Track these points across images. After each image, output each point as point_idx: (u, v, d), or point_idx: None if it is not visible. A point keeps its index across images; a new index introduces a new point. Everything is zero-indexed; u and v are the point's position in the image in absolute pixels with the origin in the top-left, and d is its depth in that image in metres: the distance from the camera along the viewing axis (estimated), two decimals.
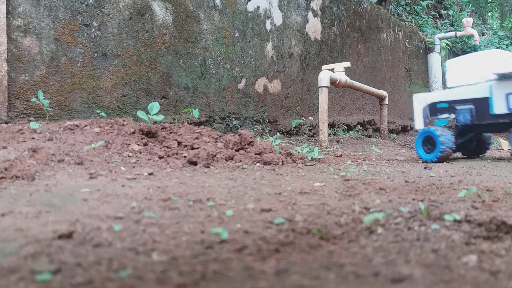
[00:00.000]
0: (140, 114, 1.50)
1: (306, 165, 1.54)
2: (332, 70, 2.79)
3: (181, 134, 1.56)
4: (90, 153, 1.26)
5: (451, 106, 1.54)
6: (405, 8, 4.94)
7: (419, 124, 1.58)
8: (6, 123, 1.69)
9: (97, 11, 1.99)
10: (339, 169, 1.44)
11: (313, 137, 2.97)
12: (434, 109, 1.55)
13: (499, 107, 1.46)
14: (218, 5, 2.56)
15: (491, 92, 1.47)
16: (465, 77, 1.56)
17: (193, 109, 2.30)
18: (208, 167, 1.32)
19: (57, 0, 1.85)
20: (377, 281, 0.43)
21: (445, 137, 1.46)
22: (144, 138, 1.48)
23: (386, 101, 3.41)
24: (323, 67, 2.84)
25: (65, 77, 1.89)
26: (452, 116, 1.54)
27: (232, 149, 1.55)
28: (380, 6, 4.20)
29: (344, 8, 3.62)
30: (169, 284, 0.42)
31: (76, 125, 1.48)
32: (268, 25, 2.91)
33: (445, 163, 1.77)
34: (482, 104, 1.48)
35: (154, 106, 1.51)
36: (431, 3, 5.32)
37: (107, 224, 0.64)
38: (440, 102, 1.57)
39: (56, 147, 1.27)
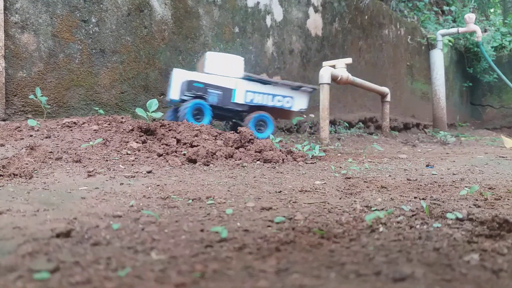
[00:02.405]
0: (139, 111, 1.49)
1: (306, 163, 1.53)
2: (333, 66, 2.77)
3: (180, 132, 1.55)
4: (88, 150, 1.25)
5: (205, 87, 1.89)
6: (407, 4, 4.90)
7: (174, 94, 1.88)
8: (4, 120, 1.69)
9: (95, 7, 1.97)
10: (340, 167, 1.44)
11: (314, 135, 2.96)
12: (190, 86, 1.86)
13: (239, 98, 1.97)
14: (217, 1, 2.54)
15: (236, 86, 1.97)
16: (221, 69, 1.96)
17: None
18: (207, 165, 1.32)
19: None
20: (379, 280, 0.43)
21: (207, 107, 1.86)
22: (142, 136, 1.47)
23: (388, 98, 3.40)
24: (324, 63, 2.82)
25: (63, 73, 1.88)
26: (205, 95, 1.90)
27: (232, 147, 1.54)
28: (382, 2, 4.16)
29: (346, 4, 3.59)
30: (168, 283, 0.41)
31: (74, 123, 1.47)
32: (268, 21, 2.88)
33: (447, 160, 1.76)
34: (228, 92, 1.94)
35: (153, 103, 1.50)
36: None
37: (105, 223, 0.64)
38: (198, 82, 1.88)
39: (54, 144, 1.26)
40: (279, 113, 2.17)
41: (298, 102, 2.12)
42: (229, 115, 2.04)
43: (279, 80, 2.07)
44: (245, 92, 1.97)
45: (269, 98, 2.03)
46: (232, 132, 1.74)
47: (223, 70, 1.95)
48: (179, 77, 1.88)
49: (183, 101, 1.89)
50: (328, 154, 1.88)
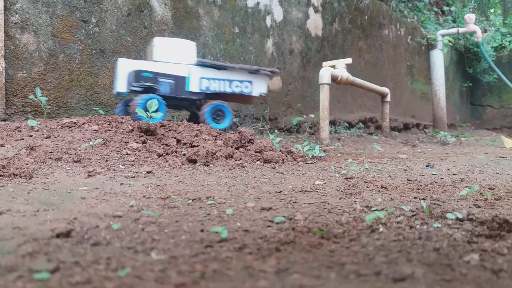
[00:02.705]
0: (139, 111, 1.49)
1: (306, 163, 1.53)
2: (333, 66, 2.77)
3: (180, 132, 1.55)
4: (88, 151, 1.25)
5: (155, 77, 1.73)
6: (407, 4, 4.90)
7: (121, 87, 1.73)
8: (4, 120, 1.69)
9: (95, 7, 1.97)
10: (340, 167, 1.44)
11: (314, 135, 2.96)
12: (138, 77, 1.71)
13: (193, 86, 1.82)
14: (217, 1, 2.54)
15: (189, 73, 1.81)
16: (171, 55, 1.79)
17: None
18: (207, 165, 1.32)
19: None
20: (379, 280, 0.43)
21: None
22: (142, 136, 1.47)
23: (388, 98, 3.39)
24: (324, 63, 2.82)
25: (63, 74, 1.88)
26: (156, 86, 1.74)
27: (232, 147, 1.54)
28: (382, 2, 4.16)
29: (346, 4, 3.59)
30: (168, 284, 0.41)
31: (74, 123, 1.47)
32: (268, 21, 2.89)
33: (447, 160, 1.76)
34: (181, 81, 1.79)
35: (153, 104, 1.50)
36: None
37: (105, 223, 0.64)
38: (146, 71, 1.71)
39: (54, 144, 1.26)
40: (239, 99, 2.03)
41: (257, 87, 1.97)
42: (184, 104, 1.91)
43: (235, 65, 1.92)
44: (199, 79, 1.82)
45: (226, 84, 1.88)
46: (232, 132, 1.74)
47: (174, 57, 1.78)
48: (125, 68, 1.72)
49: (133, 93, 1.75)
50: (328, 154, 1.88)
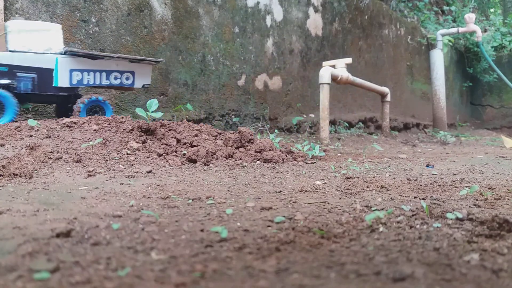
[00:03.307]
0: (139, 111, 1.49)
1: (306, 163, 1.53)
2: (333, 66, 2.77)
3: (180, 132, 1.55)
4: (88, 150, 1.25)
5: (11, 71, 1.45)
6: (407, 4, 4.90)
7: None
8: None
9: (95, 6, 1.97)
10: (340, 167, 1.44)
11: (314, 135, 2.96)
12: None
13: (63, 80, 1.55)
14: (217, 1, 2.53)
15: (57, 65, 1.52)
16: (32, 43, 1.49)
17: (187, 105, 2.29)
18: (207, 165, 1.32)
19: None
20: (379, 280, 0.43)
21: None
22: (142, 136, 1.47)
23: (388, 98, 3.39)
24: (324, 63, 2.82)
25: None
26: (13, 83, 1.47)
27: (232, 146, 1.54)
28: (382, 2, 4.16)
29: (346, 4, 3.59)
30: (168, 283, 0.41)
31: (74, 122, 1.47)
32: (268, 21, 2.88)
33: (447, 160, 1.76)
34: (47, 74, 1.51)
35: (153, 103, 1.50)
36: None
37: (105, 223, 0.64)
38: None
39: (54, 144, 1.26)
40: (119, 91, 1.84)
41: (140, 78, 1.75)
42: (52, 101, 1.66)
43: (114, 54, 1.70)
44: (69, 72, 1.55)
45: (103, 76, 1.63)
46: (232, 132, 1.73)
47: (36, 45, 1.49)
48: None
49: None
50: (328, 154, 1.88)
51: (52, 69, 1.54)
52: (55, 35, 1.57)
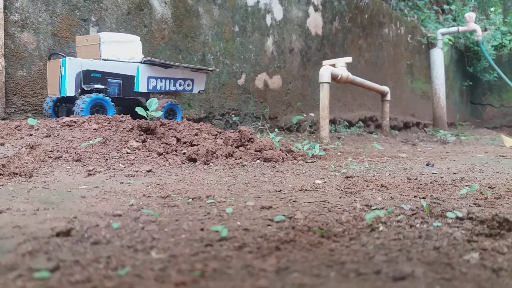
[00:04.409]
0: (139, 110, 1.49)
1: (306, 162, 1.53)
2: (333, 65, 2.77)
3: (180, 131, 1.55)
4: (88, 149, 1.25)
5: (104, 77, 1.64)
6: (407, 3, 4.89)
7: (70, 90, 1.58)
8: (4, 119, 1.68)
9: (95, 5, 1.96)
10: (340, 166, 1.44)
11: (314, 134, 2.96)
12: (87, 78, 1.60)
13: (142, 86, 1.76)
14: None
15: (138, 73, 1.74)
16: (117, 53, 1.70)
17: (187, 104, 2.29)
18: (207, 164, 1.32)
19: None
20: (379, 279, 0.43)
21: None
22: (142, 135, 1.47)
23: (388, 97, 3.39)
24: (324, 62, 2.82)
25: None
26: (106, 87, 1.65)
27: (232, 146, 1.54)
28: (382, 1, 4.15)
29: (346, 3, 3.59)
30: (168, 282, 0.41)
31: (74, 121, 1.47)
32: (268, 20, 2.88)
33: (447, 159, 1.76)
34: (130, 81, 1.73)
35: (153, 102, 1.50)
36: None
37: (105, 222, 0.64)
38: (95, 71, 1.61)
39: (53, 143, 1.26)
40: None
41: (197, 85, 1.97)
42: (130, 105, 1.81)
43: (181, 64, 1.89)
44: (147, 79, 1.76)
45: (171, 83, 1.85)
46: (232, 131, 1.73)
47: (122, 54, 1.70)
48: (72, 68, 1.55)
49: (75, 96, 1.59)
50: (328, 153, 1.88)
51: (134, 76, 1.75)
52: (136, 46, 1.77)
